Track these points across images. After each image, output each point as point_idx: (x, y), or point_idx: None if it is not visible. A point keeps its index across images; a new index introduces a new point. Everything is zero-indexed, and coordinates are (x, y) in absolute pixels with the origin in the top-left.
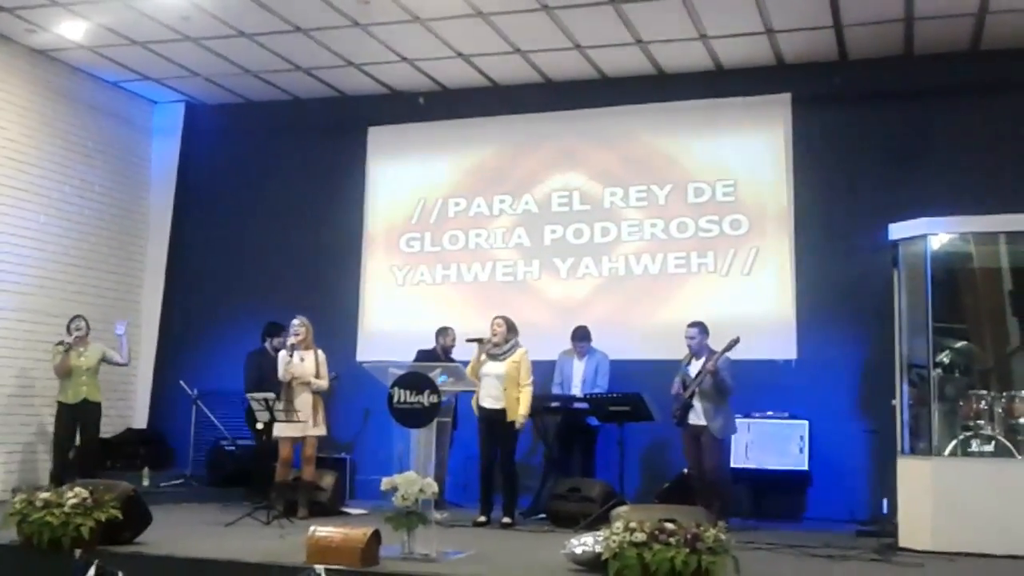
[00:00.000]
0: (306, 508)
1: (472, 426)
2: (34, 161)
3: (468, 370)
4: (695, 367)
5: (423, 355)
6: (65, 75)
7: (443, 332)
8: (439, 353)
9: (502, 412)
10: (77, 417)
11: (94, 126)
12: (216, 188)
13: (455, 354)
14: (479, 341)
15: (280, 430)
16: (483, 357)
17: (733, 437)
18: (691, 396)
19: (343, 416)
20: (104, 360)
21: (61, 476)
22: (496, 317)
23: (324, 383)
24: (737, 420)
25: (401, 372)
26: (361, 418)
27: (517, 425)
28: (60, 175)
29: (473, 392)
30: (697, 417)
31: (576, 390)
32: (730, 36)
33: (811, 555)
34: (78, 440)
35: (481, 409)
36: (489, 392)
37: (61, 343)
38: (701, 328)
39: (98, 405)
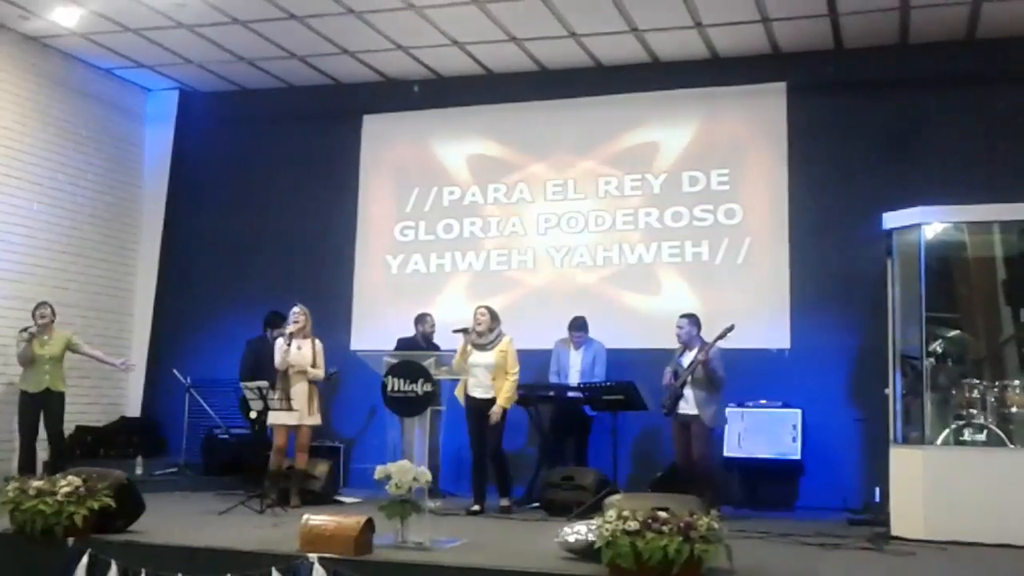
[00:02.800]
0: (298, 496)
1: (456, 415)
2: (26, 148)
3: (455, 361)
4: (687, 358)
5: (404, 343)
6: (58, 62)
7: (422, 319)
8: (419, 340)
9: (492, 401)
10: (40, 407)
11: (87, 113)
12: (210, 176)
13: (437, 340)
14: (464, 331)
15: (275, 418)
16: (469, 348)
17: (726, 427)
18: (682, 385)
19: (340, 405)
20: (70, 348)
21: (33, 465)
22: (479, 307)
23: (320, 372)
24: (730, 409)
25: (395, 361)
26: (358, 407)
27: (493, 419)
28: (53, 163)
29: (456, 382)
30: (688, 406)
31: (573, 380)
32: (726, 24)
33: (803, 544)
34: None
35: (470, 399)
36: (479, 382)
37: (25, 330)
38: (692, 320)
39: (61, 395)
